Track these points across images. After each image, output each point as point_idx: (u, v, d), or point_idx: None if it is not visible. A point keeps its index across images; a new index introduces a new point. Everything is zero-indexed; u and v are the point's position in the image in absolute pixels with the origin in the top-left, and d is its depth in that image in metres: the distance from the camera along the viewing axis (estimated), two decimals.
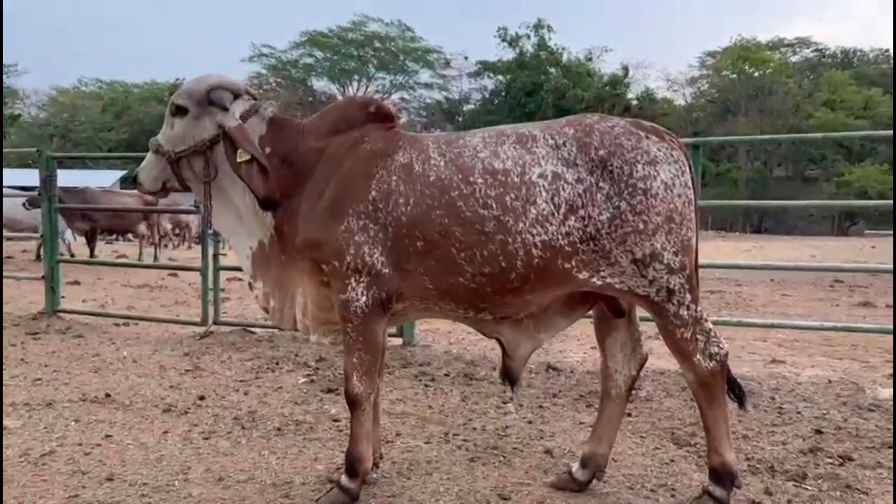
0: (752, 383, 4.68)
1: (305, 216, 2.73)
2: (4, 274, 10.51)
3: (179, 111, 2.87)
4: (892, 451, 3.41)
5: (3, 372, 4.86)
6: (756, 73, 52.04)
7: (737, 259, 20.16)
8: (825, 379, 4.86)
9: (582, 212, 2.54)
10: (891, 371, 5.03)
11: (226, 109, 2.86)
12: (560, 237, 2.54)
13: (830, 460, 3.34)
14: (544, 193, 2.55)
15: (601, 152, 2.55)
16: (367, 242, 2.65)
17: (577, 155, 2.57)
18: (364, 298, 2.67)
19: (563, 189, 2.55)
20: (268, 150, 2.86)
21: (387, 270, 2.67)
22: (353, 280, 2.66)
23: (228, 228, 2.97)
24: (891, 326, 5.15)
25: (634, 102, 55.47)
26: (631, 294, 2.62)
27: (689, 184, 2.61)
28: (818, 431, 3.74)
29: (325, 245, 2.67)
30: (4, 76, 41.55)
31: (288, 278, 2.88)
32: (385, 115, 2.88)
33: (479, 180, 2.59)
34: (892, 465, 3.24)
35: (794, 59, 57.47)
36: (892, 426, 3.77)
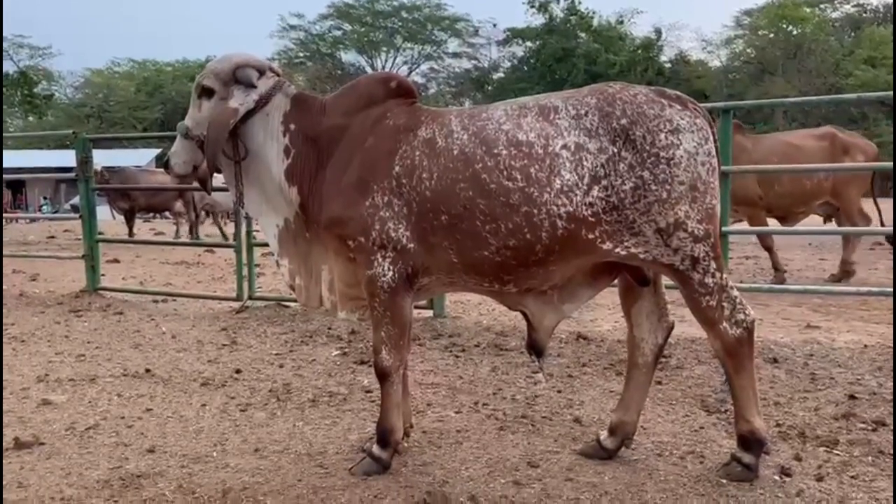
0: (785, 349, 4.65)
1: (330, 193, 2.77)
2: (47, 253, 10.84)
3: (206, 92, 2.91)
4: None
5: (50, 349, 5.04)
6: (794, 32, 50.49)
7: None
8: (861, 344, 4.80)
9: (605, 182, 2.54)
10: None
11: (253, 87, 2.90)
12: (584, 208, 2.55)
13: (863, 426, 3.32)
14: (568, 164, 2.55)
15: (623, 121, 2.54)
16: (392, 218, 2.68)
17: (600, 125, 2.56)
18: (390, 273, 2.71)
19: (586, 160, 2.55)
20: (293, 126, 2.90)
21: (412, 245, 2.70)
22: (378, 256, 2.70)
23: (256, 208, 3.02)
24: None
25: (668, 66, 54.31)
26: (655, 263, 2.62)
27: (713, 152, 2.59)
28: (852, 397, 3.71)
29: (350, 222, 2.71)
30: (38, 58, 42.19)
31: (314, 256, 2.93)
32: (406, 90, 2.89)
33: (504, 153, 2.60)
34: None
35: (833, 14, 55.56)
36: None
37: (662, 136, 2.53)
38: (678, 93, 2.69)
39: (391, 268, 2.70)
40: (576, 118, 2.59)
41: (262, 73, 2.92)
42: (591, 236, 2.57)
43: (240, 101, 2.84)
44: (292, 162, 2.87)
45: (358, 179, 2.72)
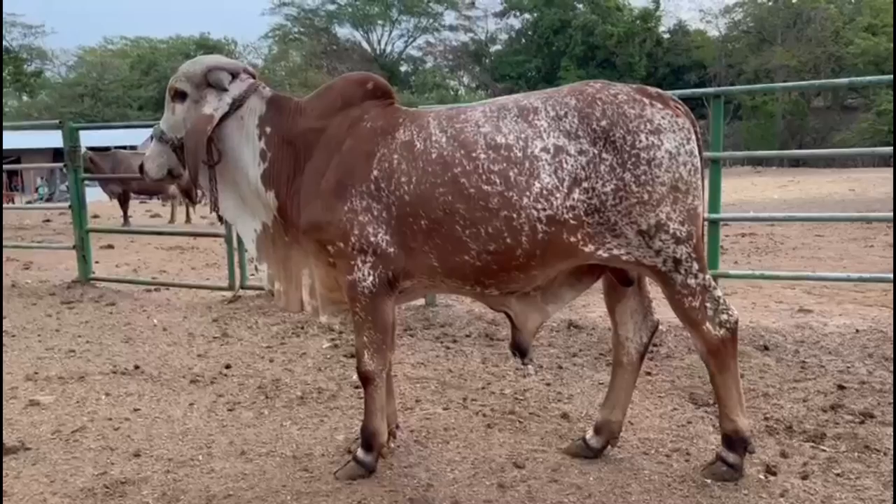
0: (776, 336, 4.64)
1: (308, 198, 2.72)
2: (40, 243, 10.80)
3: (179, 95, 2.85)
4: None
5: (40, 344, 5.03)
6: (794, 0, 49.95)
7: (773, 195, 19.81)
8: (853, 329, 4.79)
9: (586, 184, 2.50)
10: None
11: (225, 90, 2.84)
12: (565, 211, 2.51)
13: (851, 418, 3.31)
14: (547, 167, 2.51)
15: (603, 123, 2.50)
16: (371, 222, 2.64)
17: (579, 126, 2.51)
18: (371, 278, 2.68)
19: (566, 162, 2.51)
20: (268, 129, 2.85)
21: (392, 250, 2.67)
22: (358, 260, 2.66)
23: (233, 212, 2.97)
24: None
25: (666, 36, 53.85)
26: (638, 265, 2.60)
27: (695, 151, 2.55)
28: (841, 387, 3.70)
29: (329, 226, 2.67)
30: (31, 37, 41.69)
31: (293, 260, 2.89)
32: (384, 91, 2.84)
33: (482, 156, 2.56)
34: None
35: None
36: None
37: (643, 136, 2.49)
38: (659, 91, 2.64)
39: (371, 272, 2.67)
40: (555, 119, 2.54)
41: (235, 75, 2.86)
42: (572, 239, 2.54)
43: (214, 105, 2.79)
44: (269, 165, 2.82)
45: (336, 183, 2.68)
